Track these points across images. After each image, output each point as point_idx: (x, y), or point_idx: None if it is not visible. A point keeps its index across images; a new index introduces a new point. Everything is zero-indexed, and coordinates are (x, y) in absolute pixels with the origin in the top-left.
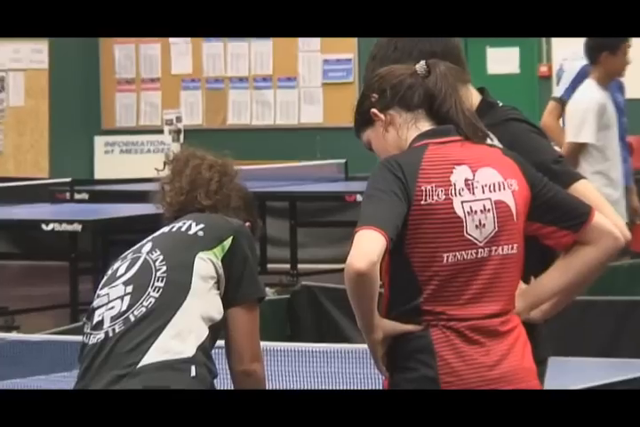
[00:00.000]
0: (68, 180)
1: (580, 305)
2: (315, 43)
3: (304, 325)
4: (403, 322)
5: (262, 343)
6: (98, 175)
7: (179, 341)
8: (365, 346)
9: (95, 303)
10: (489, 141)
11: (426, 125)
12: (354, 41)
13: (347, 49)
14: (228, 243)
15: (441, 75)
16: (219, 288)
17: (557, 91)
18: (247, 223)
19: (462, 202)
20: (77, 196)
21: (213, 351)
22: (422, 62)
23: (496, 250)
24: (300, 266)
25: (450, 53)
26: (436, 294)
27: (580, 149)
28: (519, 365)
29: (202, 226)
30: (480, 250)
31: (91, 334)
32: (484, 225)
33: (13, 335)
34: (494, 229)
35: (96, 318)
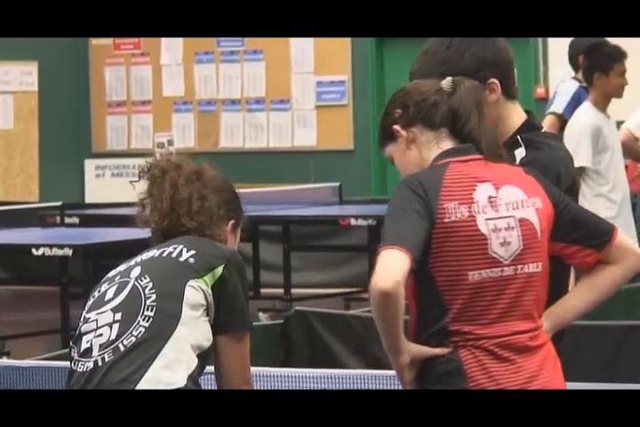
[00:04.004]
0: (58, 204)
1: (577, 330)
2: (308, 64)
3: (297, 350)
4: (431, 346)
5: (255, 369)
6: (88, 199)
7: (169, 371)
8: (358, 372)
9: (83, 328)
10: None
11: (448, 145)
12: (348, 62)
13: (340, 71)
14: (219, 271)
15: (466, 92)
16: (208, 315)
17: (554, 108)
18: (232, 221)
19: (486, 219)
20: (68, 220)
21: (204, 378)
22: (449, 79)
23: (522, 268)
24: (293, 291)
25: (500, 65)
26: (462, 314)
27: (578, 173)
28: (550, 383)
29: (193, 252)
30: (505, 268)
31: (79, 360)
32: (509, 243)
33: (4, 361)
34: (519, 246)
35: (84, 345)
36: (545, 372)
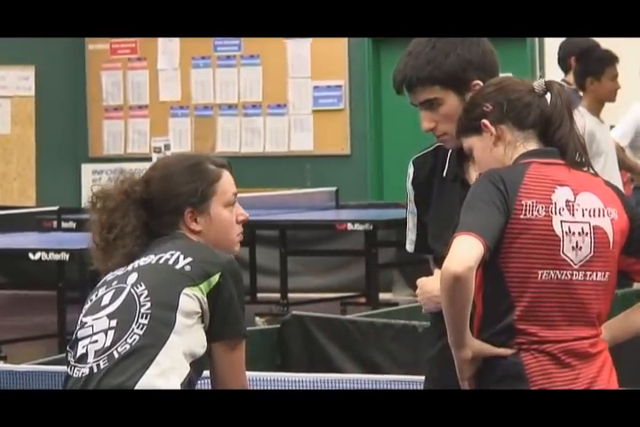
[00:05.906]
0: (55, 208)
1: None
2: (305, 69)
3: (294, 355)
4: (496, 345)
5: (252, 373)
6: (85, 204)
7: (163, 379)
8: (355, 376)
9: (79, 333)
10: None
11: (533, 146)
12: (344, 67)
13: (337, 75)
14: (215, 279)
15: (559, 96)
16: (203, 322)
17: None
18: (187, 211)
19: (562, 221)
20: (65, 224)
21: (201, 382)
22: (541, 80)
23: (590, 275)
24: (290, 295)
25: (485, 67)
26: (528, 313)
27: None
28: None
29: (189, 260)
30: (575, 272)
31: (75, 366)
32: (581, 248)
33: (1, 366)
34: (590, 253)
35: (80, 350)
36: (600, 379)
